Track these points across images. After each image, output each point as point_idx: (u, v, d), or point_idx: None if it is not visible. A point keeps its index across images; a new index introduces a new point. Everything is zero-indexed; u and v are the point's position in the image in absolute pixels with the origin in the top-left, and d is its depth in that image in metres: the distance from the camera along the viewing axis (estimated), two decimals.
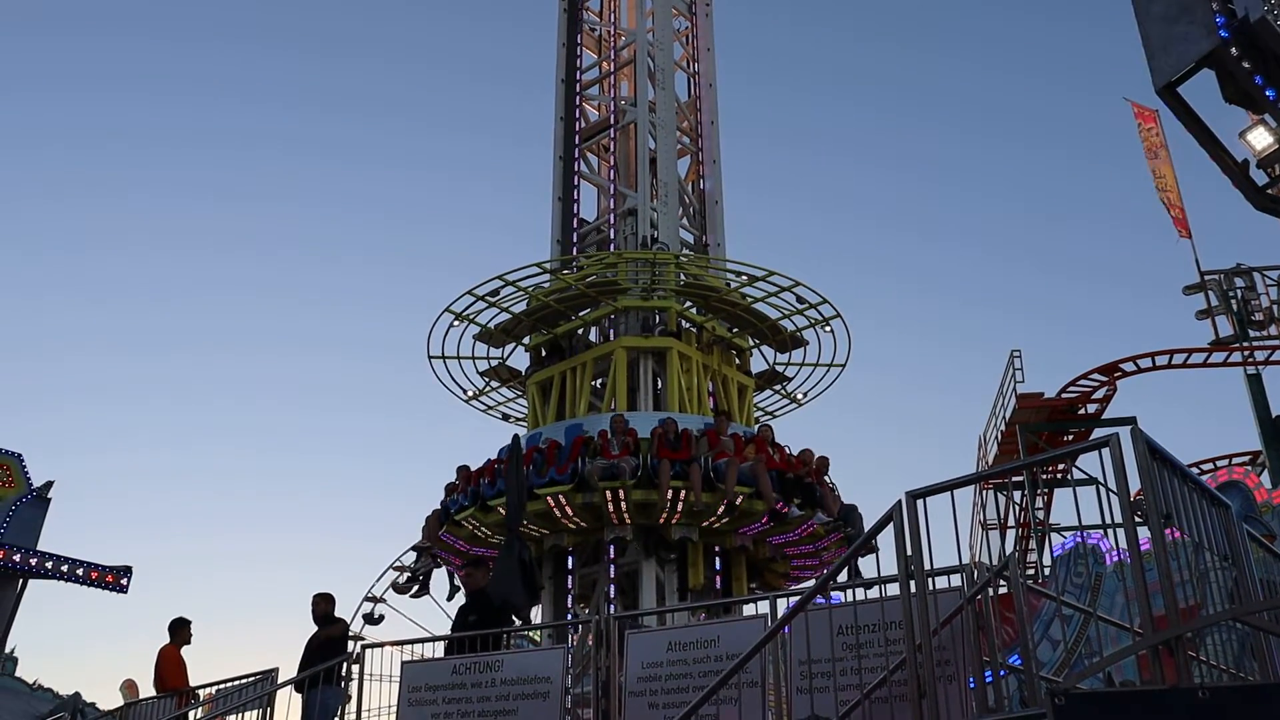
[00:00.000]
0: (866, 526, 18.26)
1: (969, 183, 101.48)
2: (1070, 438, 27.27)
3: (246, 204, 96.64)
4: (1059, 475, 27.52)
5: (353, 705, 11.22)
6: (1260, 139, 10.38)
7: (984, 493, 29.94)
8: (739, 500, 16.77)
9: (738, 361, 21.01)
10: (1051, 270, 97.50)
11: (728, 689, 7.93)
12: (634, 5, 24.10)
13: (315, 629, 12.66)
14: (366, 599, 31.93)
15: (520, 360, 21.66)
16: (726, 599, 16.86)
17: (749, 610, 14.78)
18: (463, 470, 18.90)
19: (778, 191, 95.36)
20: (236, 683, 12.47)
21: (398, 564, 31.24)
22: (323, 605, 12.77)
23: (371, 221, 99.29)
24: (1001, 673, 7.06)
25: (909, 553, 6.70)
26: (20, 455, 27.03)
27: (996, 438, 28.48)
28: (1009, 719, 6.84)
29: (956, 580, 7.38)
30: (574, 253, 21.60)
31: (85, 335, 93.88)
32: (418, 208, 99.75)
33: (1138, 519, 6.05)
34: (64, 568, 26.23)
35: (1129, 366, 27.50)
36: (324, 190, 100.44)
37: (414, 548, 24.54)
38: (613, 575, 17.49)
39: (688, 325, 20.27)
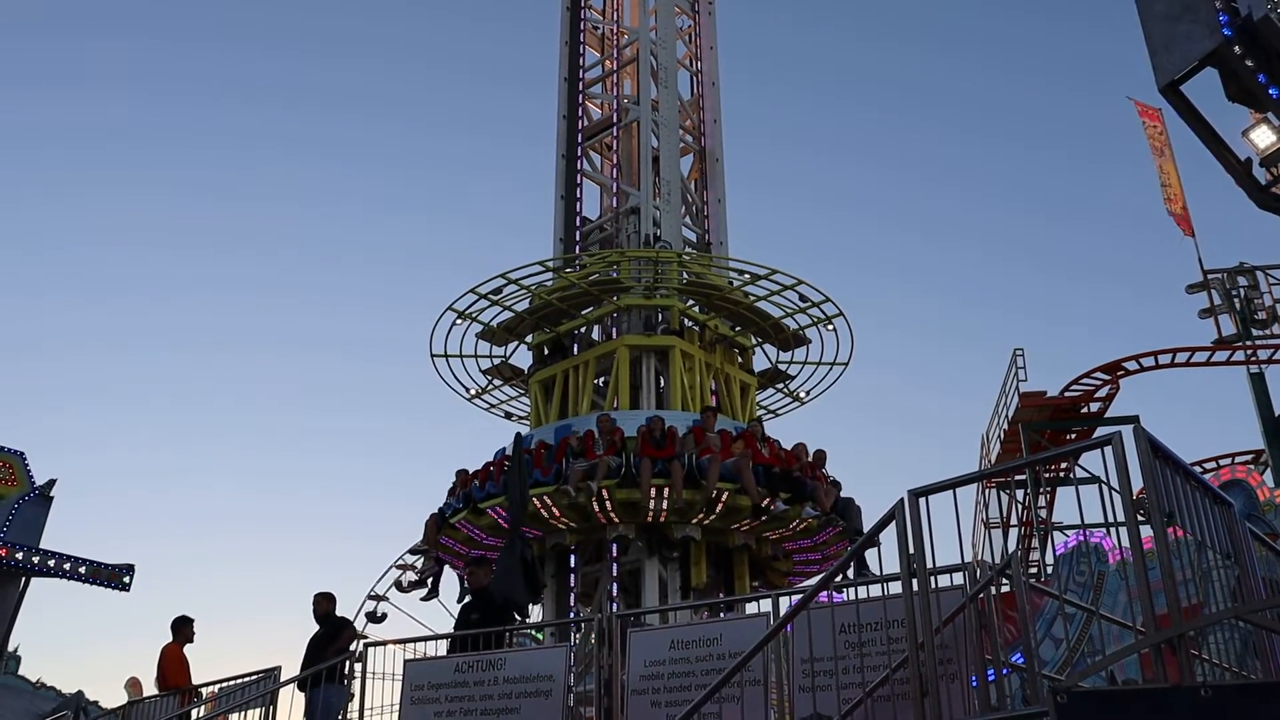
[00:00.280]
0: (868, 524, 18.31)
1: (971, 181, 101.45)
2: (1073, 436, 27.22)
3: (247, 204, 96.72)
4: (1061, 474, 27.49)
5: (355, 704, 11.24)
6: (1263, 137, 10.37)
7: (986, 491, 29.91)
8: (724, 496, 16.69)
9: (740, 360, 21.00)
10: (1054, 269, 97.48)
11: (730, 687, 7.93)
12: (637, 3, 24.10)
13: (317, 628, 12.67)
14: (369, 598, 32.01)
15: (523, 358, 21.67)
16: (729, 597, 16.86)
17: (751, 609, 14.78)
18: (461, 474, 18.93)
19: (780, 190, 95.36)
20: (239, 681, 12.48)
21: (400, 563, 31.32)
22: (324, 604, 12.79)
23: (373, 221, 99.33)
24: (1004, 671, 7.05)
25: (911, 551, 6.70)
26: (23, 454, 27.05)
27: (999, 436, 28.44)
28: (1011, 717, 6.84)
29: (959, 579, 7.38)
30: (577, 251, 21.59)
31: (87, 334, 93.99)
32: (420, 207, 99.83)
33: (1140, 517, 6.05)
34: (66, 566, 26.25)
35: (1132, 365, 27.44)
36: (325, 190, 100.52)
37: (413, 550, 24.61)
38: (615, 574, 17.50)
39: (690, 324, 20.26)
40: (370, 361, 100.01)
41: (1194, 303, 28.16)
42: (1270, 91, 9.13)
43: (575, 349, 20.43)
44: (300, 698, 11.77)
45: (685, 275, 20.52)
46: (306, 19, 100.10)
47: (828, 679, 7.70)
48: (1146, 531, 6.05)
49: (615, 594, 17.25)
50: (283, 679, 11.74)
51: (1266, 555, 8.11)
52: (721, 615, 15.25)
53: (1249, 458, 28.84)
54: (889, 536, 6.98)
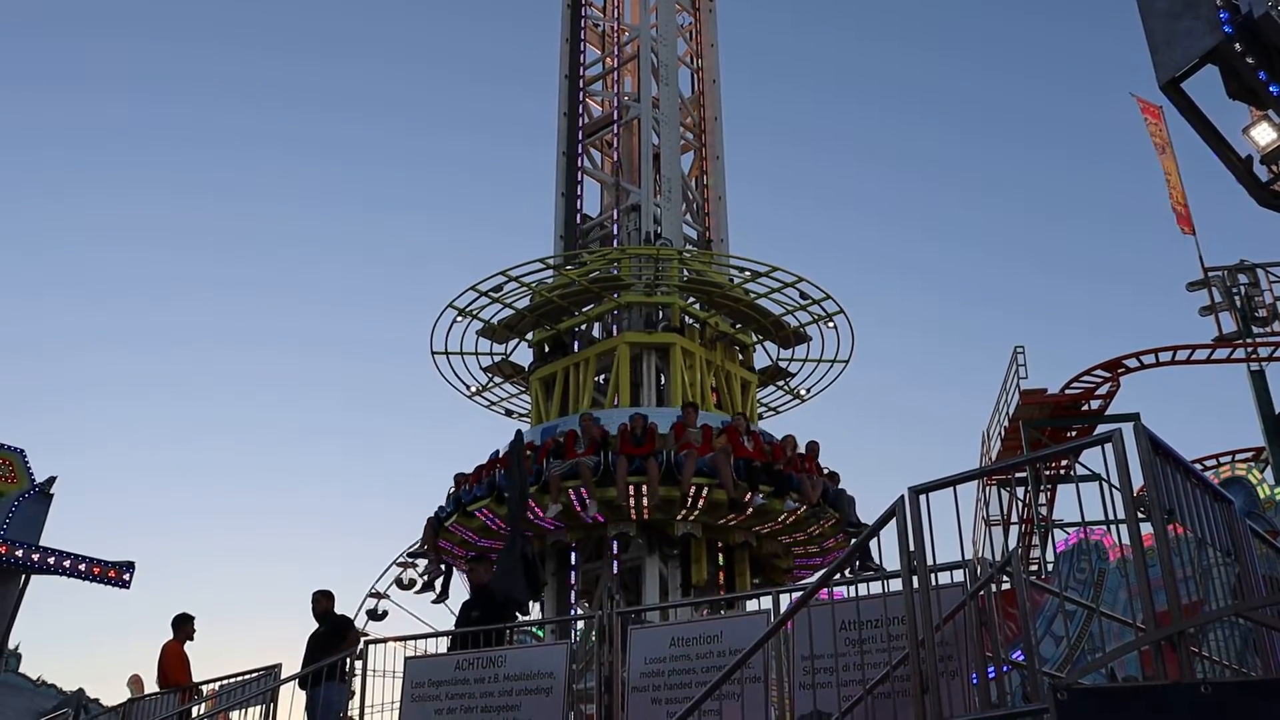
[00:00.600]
0: (868, 519, 18.32)
1: (972, 179, 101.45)
2: (1073, 434, 27.22)
3: (247, 203, 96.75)
4: (1062, 471, 27.51)
5: (356, 701, 11.24)
6: (1264, 135, 10.35)
7: (987, 489, 29.92)
8: (705, 491, 16.64)
9: (741, 357, 21.00)
10: (1055, 266, 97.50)
11: (730, 684, 7.93)
12: (637, 1, 24.10)
13: (316, 626, 12.67)
14: (370, 595, 32.03)
15: (523, 356, 21.67)
16: (729, 594, 16.86)
17: (752, 606, 14.78)
18: (458, 478, 18.96)
19: (781, 187, 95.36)
20: (240, 678, 12.47)
21: (401, 560, 31.34)
22: (323, 602, 12.79)
23: (373, 219, 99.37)
24: (1004, 668, 7.06)
25: (912, 548, 6.70)
26: (23, 451, 27.04)
27: (1000, 434, 28.45)
28: (1011, 714, 6.85)
29: (959, 576, 7.39)
30: (577, 248, 21.59)
31: (87, 333, 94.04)
32: (421, 205, 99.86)
33: (1140, 515, 6.05)
34: (66, 563, 26.24)
35: (1132, 363, 27.45)
36: (325, 188, 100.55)
37: (412, 555, 24.65)
38: (616, 571, 17.50)
39: (691, 321, 20.26)
40: (371, 359, 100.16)
41: (1194, 300, 28.17)
42: (1271, 89, 9.11)
43: (576, 346, 20.42)
44: (301, 695, 11.78)
45: (686, 272, 20.53)
46: (306, 19, 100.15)
47: (828, 676, 7.70)
48: (1147, 529, 6.05)
49: (616, 591, 17.25)
50: (283, 676, 11.74)
51: (1267, 553, 8.10)
52: (722, 613, 15.26)
53: (1249, 455, 28.86)
54: (889, 534, 6.98)
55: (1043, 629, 19.59)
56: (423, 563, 22.21)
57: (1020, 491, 29.52)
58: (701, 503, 16.74)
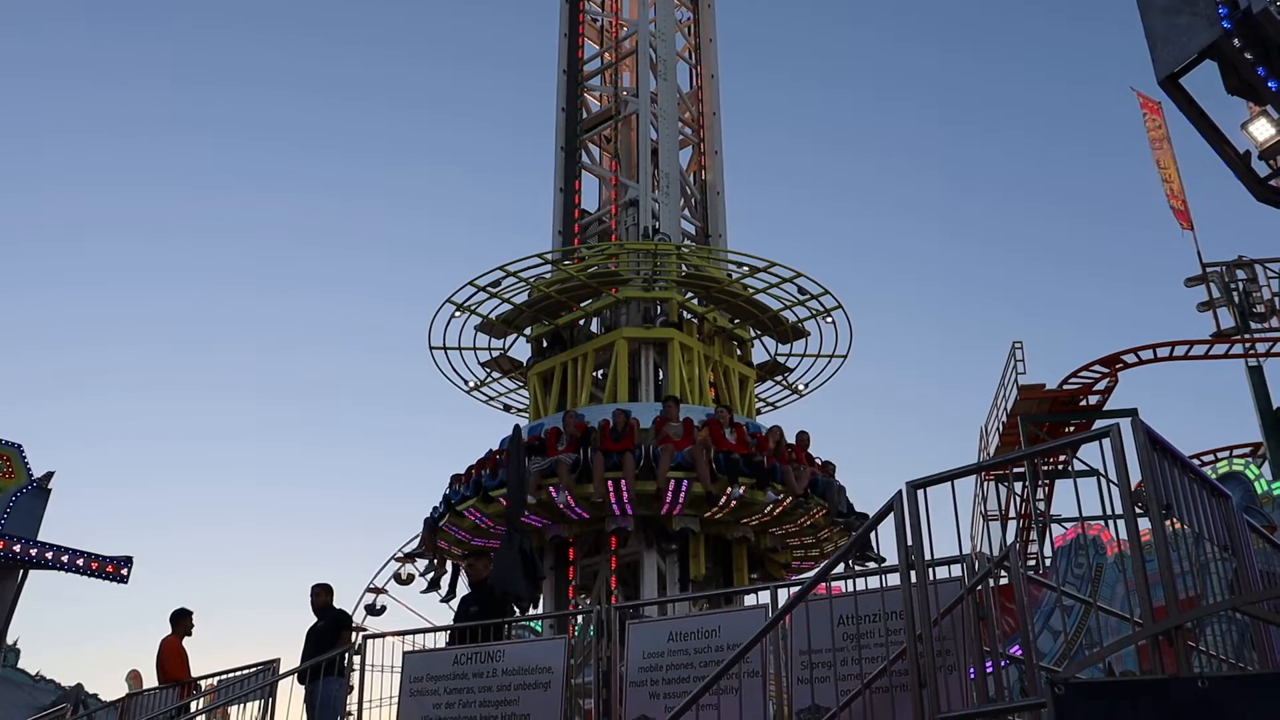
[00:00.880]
0: (859, 510, 18.32)
1: (971, 174, 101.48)
2: (1071, 429, 27.26)
3: (246, 194, 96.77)
4: (1060, 466, 27.54)
5: (354, 696, 11.25)
6: (1262, 130, 10.38)
7: (985, 484, 29.97)
8: (685, 485, 16.62)
9: (739, 352, 20.99)
10: (1053, 261, 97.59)
11: (729, 679, 7.95)
12: None
13: (315, 620, 12.68)
14: (368, 590, 32.08)
15: (522, 351, 21.66)
16: (727, 589, 16.86)
17: (750, 601, 14.79)
18: (454, 478, 19.00)
19: (780, 183, 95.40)
20: (238, 673, 12.49)
21: (399, 555, 31.38)
22: (322, 596, 12.81)
23: (372, 212, 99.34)
24: (1002, 663, 7.07)
25: (910, 543, 6.71)
26: (20, 446, 27.08)
27: (998, 429, 28.49)
28: (1009, 708, 6.86)
29: (957, 570, 7.40)
30: (575, 243, 21.57)
31: (84, 326, 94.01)
32: (419, 199, 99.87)
33: (1138, 510, 6.06)
34: (64, 558, 26.28)
35: (1130, 358, 27.51)
36: (324, 180, 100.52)
37: (412, 556, 24.72)
38: (614, 566, 17.51)
39: (689, 316, 20.25)
40: (370, 354, 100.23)
41: (1192, 296, 28.23)
42: (1269, 85, 9.12)
43: (574, 341, 20.41)
44: (299, 690, 11.80)
45: (684, 268, 20.50)
46: (307, 8, 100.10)
47: (826, 671, 7.72)
48: (1144, 524, 6.06)
49: (614, 586, 17.27)
50: (281, 671, 11.75)
51: (1264, 548, 8.13)
52: (721, 607, 15.27)
53: (1247, 451, 28.91)
54: (887, 528, 6.99)
55: (1040, 624, 19.65)
56: (423, 563, 22.28)
57: (1018, 486, 29.50)
58: (683, 496, 16.70)
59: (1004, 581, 7.86)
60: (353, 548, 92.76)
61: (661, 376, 19.66)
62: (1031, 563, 26.99)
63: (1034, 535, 28.98)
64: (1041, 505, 29.02)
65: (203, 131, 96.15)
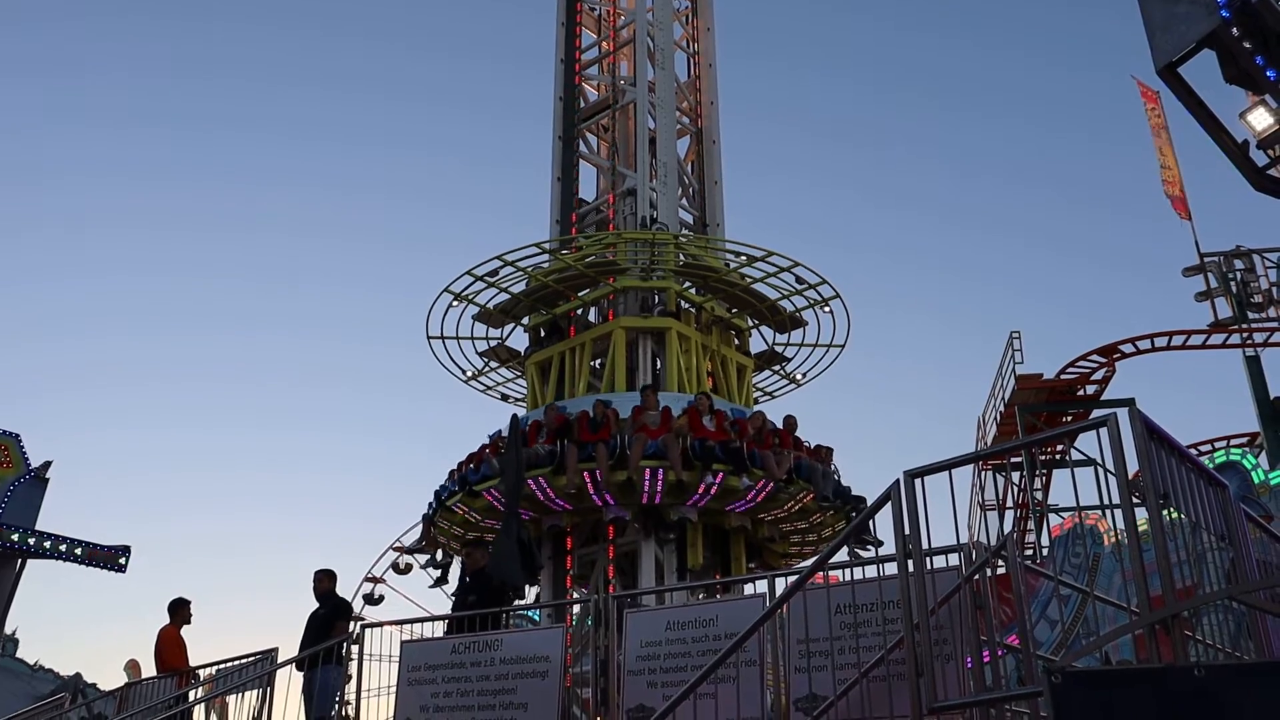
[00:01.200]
0: (845, 495, 18.32)
1: (969, 163, 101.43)
2: (1069, 419, 27.29)
3: (244, 185, 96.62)
4: (1057, 456, 27.57)
5: (352, 685, 11.27)
6: (1260, 120, 10.34)
7: (982, 473, 30.00)
8: (661, 474, 16.63)
9: (737, 342, 20.98)
10: (1051, 251, 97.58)
11: (726, 668, 7.96)
12: None
13: (316, 605, 12.69)
14: (366, 579, 32.11)
15: (519, 340, 21.65)
16: (725, 578, 16.88)
17: (748, 590, 14.80)
18: (451, 472, 19.09)
19: (777, 172, 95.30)
20: (237, 663, 12.50)
21: (397, 544, 31.41)
22: (324, 582, 12.82)
23: (370, 202, 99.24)
24: (999, 652, 7.08)
25: (907, 532, 6.71)
26: (18, 435, 27.07)
27: (995, 418, 28.51)
28: (1006, 697, 6.87)
29: (954, 560, 7.41)
30: (573, 233, 21.55)
31: (83, 316, 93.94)
32: (417, 189, 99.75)
33: (1135, 499, 6.06)
34: (62, 547, 26.31)
35: (1128, 348, 27.52)
36: (323, 171, 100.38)
37: (412, 550, 24.78)
38: (611, 555, 17.53)
39: (687, 305, 20.23)
40: (369, 342, 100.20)
41: (1190, 285, 28.27)
42: (1268, 74, 9.12)
43: (572, 331, 20.41)
44: (298, 678, 11.81)
45: (682, 257, 20.48)
46: (303, 1, 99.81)
47: (823, 660, 7.72)
48: (1142, 514, 6.07)
49: (612, 575, 17.28)
50: (279, 660, 11.76)
51: (1261, 537, 8.13)
52: (718, 596, 15.27)
53: (1245, 440, 28.94)
54: (885, 517, 6.99)
55: (1038, 613, 19.67)
56: (423, 557, 22.35)
57: (1015, 476, 29.55)
58: (660, 485, 16.69)
59: (1001, 571, 7.87)
60: (351, 537, 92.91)
61: (659, 366, 19.65)
62: (1029, 552, 27.06)
63: (1031, 525, 29.02)
64: (1039, 495, 29.07)
65: (198, 125, 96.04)
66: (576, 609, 17.61)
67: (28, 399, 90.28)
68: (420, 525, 19.91)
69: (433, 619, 12.36)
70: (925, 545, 6.74)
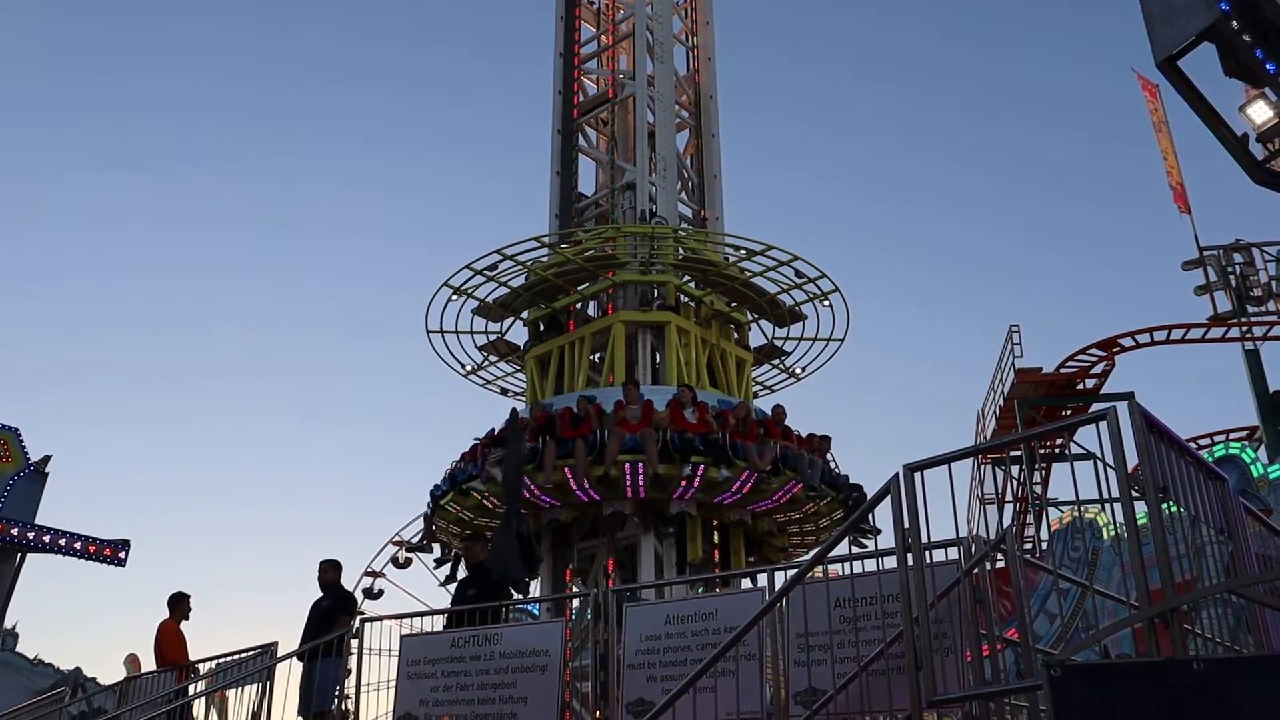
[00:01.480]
0: (848, 487, 18.32)
1: (969, 156, 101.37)
2: (1068, 412, 27.28)
3: (243, 180, 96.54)
4: (1057, 450, 27.58)
5: (352, 679, 11.27)
6: (1260, 113, 10.37)
7: (982, 467, 29.99)
8: (641, 468, 16.65)
9: (736, 336, 20.99)
10: (1051, 245, 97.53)
11: (726, 662, 7.95)
12: None
13: (319, 596, 12.67)
14: (366, 574, 32.11)
15: (519, 335, 21.66)
16: (725, 572, 16.89)
17: (747, 584, 14.81)
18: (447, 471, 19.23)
19: (777, 166, 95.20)
20: (236, 657, 12.49)
21: (397, 539, 31.43)
22: (330, 573, 12.81)
23: (369, 197, 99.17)
24: (998, 645, 7.09)
25: (907, 526, 6.71)
26: (17, 429, 27.03)
27: (995, 412, 28.51)
28: (1006, 690, 6.87)
29: (954, 553, 7.41)
30: (573, 227, 21.54)
31: (83, 310, 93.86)
32: (416, 183, 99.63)
33: (1135, 493, 6.06)
34: (62, 542, 26.29)
35: (1127, 342, 27.52)
36: (321, 166, 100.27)
37: (414, 549, 24.86)
38: (611, 549, 17.54)
39: (686, 299, 20.24)
40: (367, 338, 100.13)
41: (1190, 279, 28.23)
42: (1268, 67, 9.10)
43: (571, 325, 20.41)
44: (298, 673, 11.81)
45: (681, 251, 20.49)
46: None
47: (823, 653, 7.72)
48: (1141, 507, 6.07)
49: (611, 569, 17.31)
50: (279, 655, 11.76)
51: (1260, 531, 8.13)
52: (717, 590, 15.28)
53: (1244, 434, 28.94)
54: (884, 511, 6.99)
55: (1037, 607, 19.66)
56: (429, 556, 22.45)
57: (1015, 470, 29.58)
58: (641, 479, 16.69)
59: (1000, 564, 7.88)
60: (350, 531, 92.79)
61: (659, 360, 19.66)
62: (1028, 546, 27.06)
63: (1031, 518, 29.03)
64: (1038, 488, 29.07)
65: (198, 120, 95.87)
66: (576, 603, 17.63)
67: (27, 393, 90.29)
68: (422, 524, 20.02)
69: (432, 613, 12.37)
70: (925, 539, 6.74)
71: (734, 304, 20.87)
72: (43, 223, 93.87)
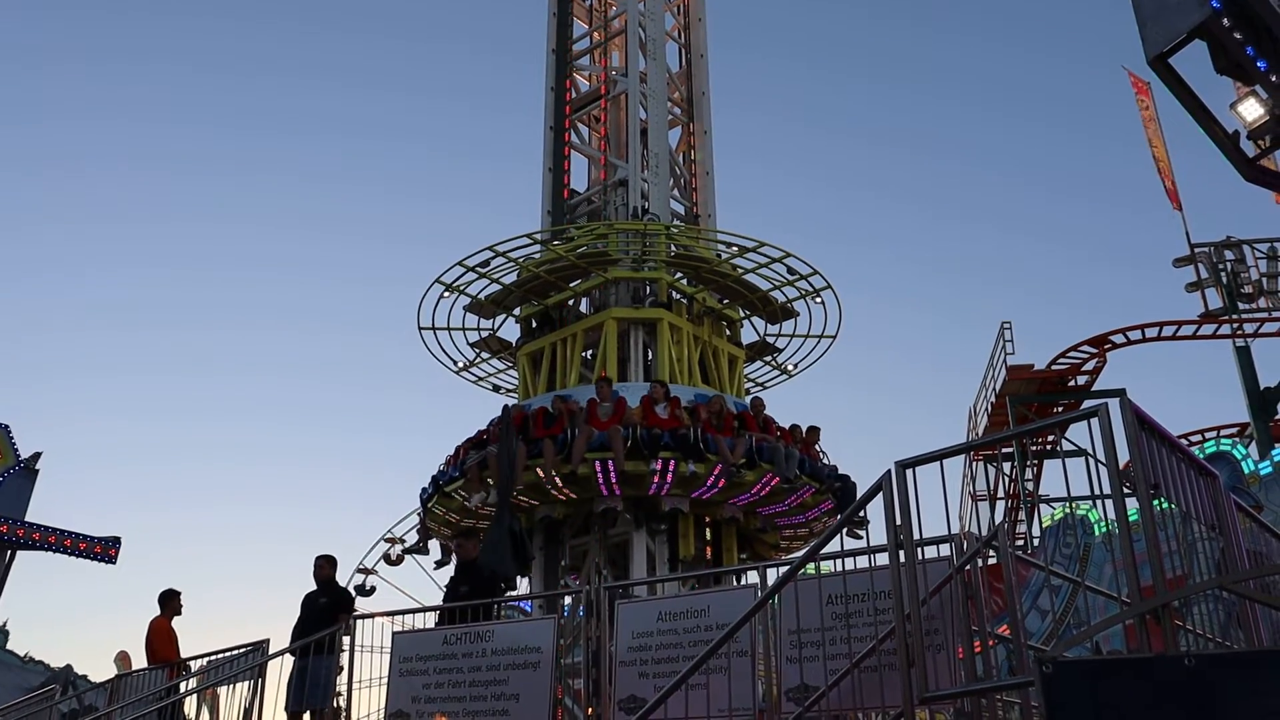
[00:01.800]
0: (852, 497, 18.27)
1: (961, 154, 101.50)
2: (1060, 409, 27.32)
3: (233, 177, 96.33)
4: (1048, 446, 27.63)
5: (344, 676, 11.24)
6: (1250, 110, 10.34)
7: (974, 464, 30.06)
8: (612, 465, 16.66)
9: (728, 332, 20.99)
10: (1043, 242, 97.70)
11: (718, 658, 7.95)
12: None
13: (313, 590, 12.64)
14: (358, 571, 32.03)
15: (511, 331, 21.64)
16: (717, 569, 16.88)
17: (740, 580, 14.82)
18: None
19: (769, 162, 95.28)
20: (228, 654, 12.47)
21: (389, 535, 31.34)
22: (326, 569, 12.79)
23: (360, 193, 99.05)
24: (990, 642, 7.09)
25: (899, 522, 6.71)
26: (7, 426, 27.00)
27: (986, 409, 28.55)
28: (997, 687, 6.88)
29: (946, 550, 7.41)
30: (565, 224, 21.51)
31: (73, 307, 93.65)
32: (408, 180, 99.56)
33: (1126, 489, 6.06)
34: (53, 539, 26.26)
35: (1119, 338, 27.59)
36: (312, 163, 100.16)
37: (412, 551, 24.88)
38: (603, 546, 17.53)
39: (678, 296, 20.23)
40: (361, 335, 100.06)
41: (1181, 276, 28.33)
42: (1258, 64, 9.12)
43: (563, 321, 20.39)
44: (289, 669, 11.78)
45: (673, 248, 20.48)
46: None
47: (815, 650, 7.73)
48: (1132, 504, 6.07)
49: (603, 566, 17.30)
50: (271, 651, 11.74)
51: (1251, 527, 8.15)
52: (710, 586, 15.28)
53: (1235, 430, 29.02)
54: (877, 508, 6.99)
55: (1028, 603, 19.72)
56: (425, 559, 22.55)
57: (1006, 466, 29.66)
58: (614, 476, 16.69)
59: (992, 561, 7.89)
60: (342, 528, 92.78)
61: (651, 357, 19.65)
62: (1020, 542, 27.12)
63: (1022, 515, 29.09)
64: (1030, 485, 29.14)
65: (189, 117, 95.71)
66: (568, 600, 17.63)
67: (17, 390, 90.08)
68: (414, 520, 20.04)
69: (424, 610, 12.34)
70: (917, 535, 6.74)
71: (726, 301, 20.86)
72: (33, 220, 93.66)
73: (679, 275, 20.45)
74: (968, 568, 7.05)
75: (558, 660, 9.61)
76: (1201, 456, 10.86)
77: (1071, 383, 28.11)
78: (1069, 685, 5.12)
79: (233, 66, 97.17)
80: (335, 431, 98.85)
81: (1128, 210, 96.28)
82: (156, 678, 13.22)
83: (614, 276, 19.89)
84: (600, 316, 19.78)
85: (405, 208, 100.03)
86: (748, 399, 19.03)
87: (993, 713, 7.31)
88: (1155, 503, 6.01)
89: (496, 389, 23.05)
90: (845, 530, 8.43)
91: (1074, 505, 21.73)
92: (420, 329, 21.21)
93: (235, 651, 12.31)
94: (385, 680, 10.33)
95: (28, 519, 26.23)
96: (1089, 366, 27.85)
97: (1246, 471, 22.57)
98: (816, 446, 18.79)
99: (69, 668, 28.42)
